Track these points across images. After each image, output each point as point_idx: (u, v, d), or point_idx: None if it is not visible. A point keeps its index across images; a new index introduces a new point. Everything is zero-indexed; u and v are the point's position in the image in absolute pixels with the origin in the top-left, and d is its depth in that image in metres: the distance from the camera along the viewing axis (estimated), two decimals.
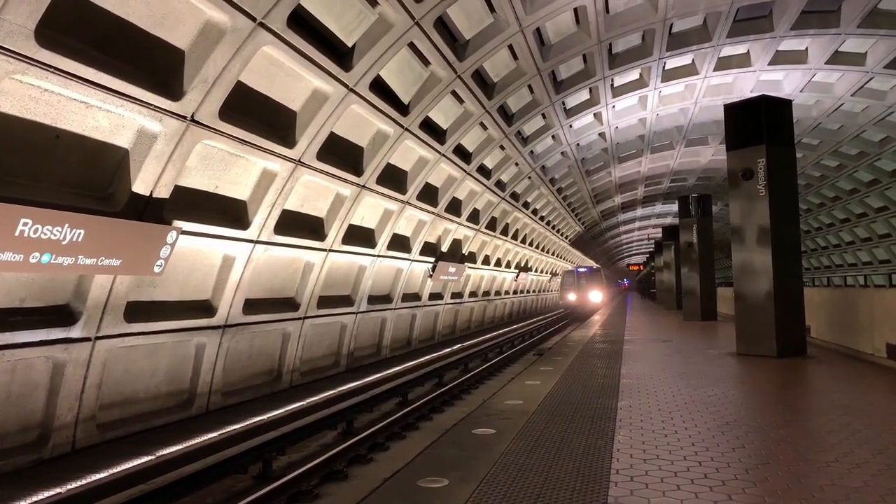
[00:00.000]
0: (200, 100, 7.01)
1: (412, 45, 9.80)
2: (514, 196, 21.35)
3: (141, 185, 6.98)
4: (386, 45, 9.10)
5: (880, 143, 20.54)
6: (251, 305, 9.94)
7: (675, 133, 20.72)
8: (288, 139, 9.00)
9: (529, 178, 20.57)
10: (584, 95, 15.78)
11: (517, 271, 29.58)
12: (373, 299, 14.39)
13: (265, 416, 8.80)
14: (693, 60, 14.74)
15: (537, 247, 31.79)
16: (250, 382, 10.36)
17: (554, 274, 42.65)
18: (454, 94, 12.13)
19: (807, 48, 14.33)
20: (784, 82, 16.16)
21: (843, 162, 23.23)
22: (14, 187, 5.82)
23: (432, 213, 15.48)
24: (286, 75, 8.38)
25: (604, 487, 3.89)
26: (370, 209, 12.83)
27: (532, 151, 18.40)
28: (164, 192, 7.27)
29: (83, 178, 6.63)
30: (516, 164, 18.55)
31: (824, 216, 31.50)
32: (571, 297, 38.12)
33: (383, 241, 13.65)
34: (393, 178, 12.84)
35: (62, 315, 6.83)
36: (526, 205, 23.56)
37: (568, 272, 40.07)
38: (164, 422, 8.41)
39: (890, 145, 20.29)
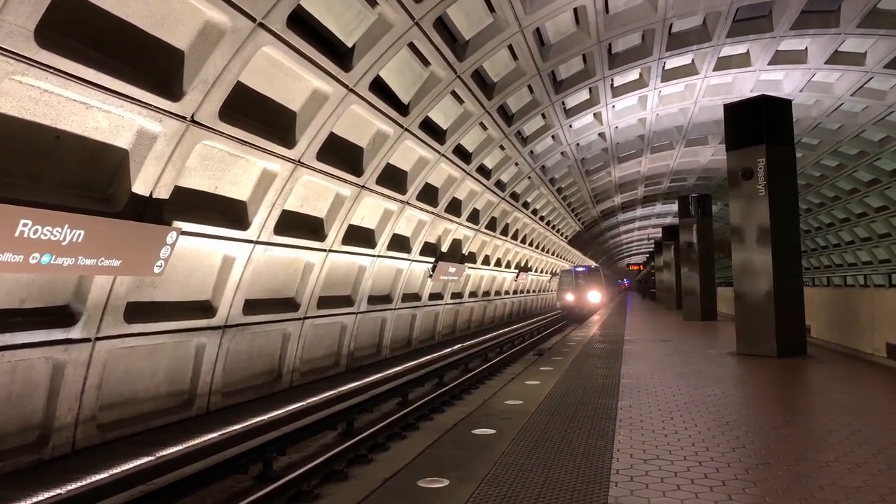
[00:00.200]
0: (200, 100, 7.01)
1: (412, 46, 9.81)
2: (514, 196, 21.35)
3: (141, 186, 6.98)
4: (386, 46, 9.10)
5: (880, 142, 20.54)
6: (251, 306, 9.94)
7: (674, 133, 20.72)
8: (288, 139, 9.01)
9: (529, 178, 20.57)
10: (583, 95, 15.77)
11: (517, 271, 29.53)
12: (373, 299, 14.39)
13: (265, 417, 8.80)
14: (693, 60, 14.74)
15: (537, 247, 31.76)
16: (250, 383, 10.36)
17: (554, 274, 41.98)
18: (454, 94, 12.13)
19: (806, 48, 14.33)
20: (784, 82, 16.16)
21: (843, 162, 23.23)
22: (14, 188, 5.82)
23: (432, 213, 15.48)
24: (286, 75, 8.38)
25: (604, 487, 3.90)
26: (370, 209, 12.83)
27: (532, 151, 18.40)
28: (163, 193, 7.27)
29: (83, 179, 6.63)
30: (516, 164, 18.54)
31: (824, 216, 31.50)
32: (569, 297, 36.06)
33: (383, 241, 13.64)
34: (393, 179, 12.85)
35: (62, 316, 6.83)
36: (526, 205, 23.56)
37: (565, 271, 37.84)
38: (164, 422, 8.41)
39: (890, 145, 20.30)
